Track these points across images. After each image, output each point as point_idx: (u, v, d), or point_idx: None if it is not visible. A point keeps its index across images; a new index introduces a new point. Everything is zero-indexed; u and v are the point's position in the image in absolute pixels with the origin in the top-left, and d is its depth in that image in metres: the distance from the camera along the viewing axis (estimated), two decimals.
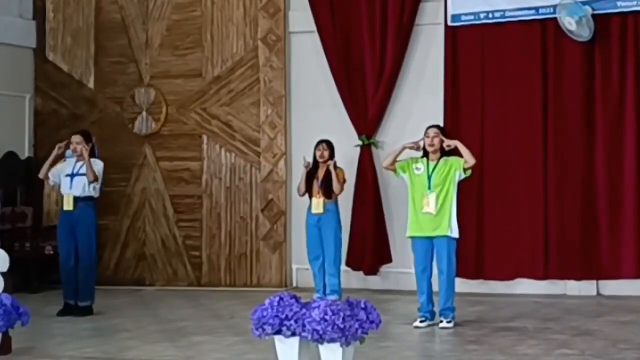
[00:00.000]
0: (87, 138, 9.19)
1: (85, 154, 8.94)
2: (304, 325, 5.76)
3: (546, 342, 7.06)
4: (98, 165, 9.11)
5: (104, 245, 11.47)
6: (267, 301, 5.92)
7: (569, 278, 9.80)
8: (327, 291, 9.55)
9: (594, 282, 9.78)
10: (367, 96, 10.55)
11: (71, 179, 9.03)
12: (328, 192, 9.48)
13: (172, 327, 8.12)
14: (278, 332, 5.86)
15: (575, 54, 9.79)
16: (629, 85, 9.67)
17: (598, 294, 9.77)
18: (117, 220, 11.53)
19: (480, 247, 10.01)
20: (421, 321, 7.95)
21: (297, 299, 5.96)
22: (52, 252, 10.83)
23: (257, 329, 5.88)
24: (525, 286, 9.93)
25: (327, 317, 5.69)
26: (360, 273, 10.56)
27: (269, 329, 5.85)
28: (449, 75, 10.23)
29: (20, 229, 11.21)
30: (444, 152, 8.08)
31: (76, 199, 8.99)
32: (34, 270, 10.96)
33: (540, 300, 9.41)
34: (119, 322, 8.53)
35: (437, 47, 10.38)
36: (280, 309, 5.86)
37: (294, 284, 10.91)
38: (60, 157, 9.20)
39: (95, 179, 8.98)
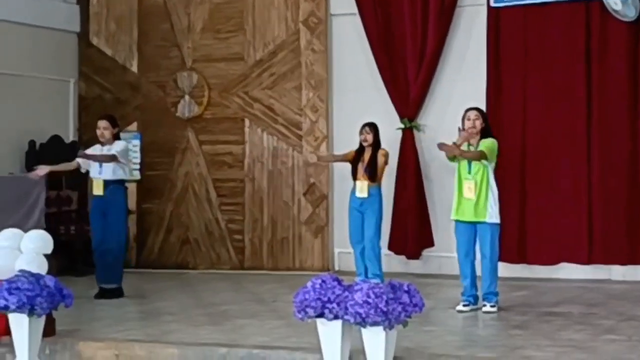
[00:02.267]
0: (113, 123, 9.22)
1: (101, 159, 8.97)
2: (346, 309, 5.76)
3: (592, 328, 6.99)
4: (119, 146, 9.11)
5: (148, 229, 11.59)
6: (309, 284, 5.92)
7: (614, 263, 9.66)
8: (369, 275, 9.52)
9: (639, 267, 9.63)
10: (408, 79, 10.49)
11: (100, 163, 9.07)
12: (372, 175, 9.44)
13: (215, 311, 8.16)
14: (320, 315, 5.87)
15: (620, 35, 9.62)
16: None
17: None
18: (160, 205, 11.62)
19: (523, 231, 9.92)
20: (464, 305, 7.91)
21: (339, 282, 5.96)
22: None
23: (299, 312, 5.90)
24: (568, 271, 9.82)
25: (370, 300, 5.68)
26: (403, 257, 10.53)
27: (311, 312, 5.86)
28: (492, 57, 10.12)
29: (66, 212, 11.33)
30: (483, 135, 7.99)
31: (106, 183, 9.03)
32: (79, 253, 11.08)
33: (584, 285, 9.31)
34: (162, 305, 8.59)
35: (479, 29, 10.27)
36: (323, 292, 5.86)
37: (336, 268, 10.90)
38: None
39: (110, 160, 8.97)
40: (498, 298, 7.92)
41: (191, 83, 11.46)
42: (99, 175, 9.08)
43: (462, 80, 10.39)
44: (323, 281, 5.91)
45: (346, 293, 5.83)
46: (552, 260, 9.85)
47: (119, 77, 11.84)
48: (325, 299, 5.83)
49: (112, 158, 9.01)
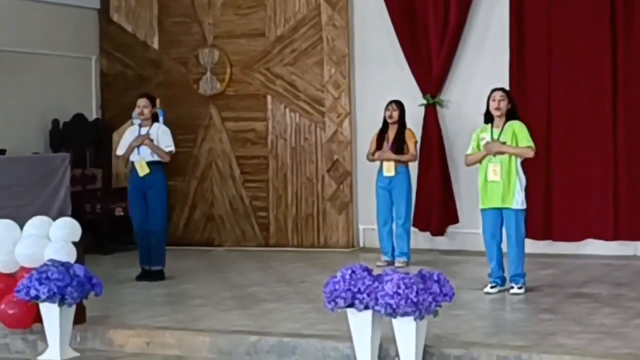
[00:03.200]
0: (152, 101, 9.21)
1: (149, 143, 8.89)
2: (376, 299, 5.76)
3: (622, 311, 6.96)
4: (166, 135, 9.08)
5: (173, 206, 11.56)
6: (339, 274, 5.92)
7: None
8: (396, 253, 9.53)
9: None
10: (431, 54, 10.39)
11: (138, 146, 9.04)
12: (399, 153, 9.39)
13: (244, 293, 8.18)
14: (350, 305, 5.87)
15: None
16: None
17: None
18: (184, 182, 11.63)
19: (548, 207, 9.86)
20: (492, 287, 7.89)
21: (369, 272, 5.96)
22: (122, 214, 10.99)
23: (329, 303, 5.90)
24: (594, 247, 9.78)
25: (400, 291, 5.68)
26: (428, 234, 10.51)
27: (341, 302, 5.86)
28: (514, 31, 9.99)
29: (91, 190, 11.37)
30: (509, 117, 7.90)
31: (149, 164, 8.99)
32: (105, 231, 11.13)
33: (611, 262, 9.27)
34: (190, 287, 8.62)
35: (502, 3, 10.13)
36: (353, 282, 5.86)
37: (361, 244, 10.92)
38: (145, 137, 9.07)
39: (168, 157, 8.98)
40: (525, 279, 7.89)
41: (213, 59, 11.41)
42: (139, 156, 9.00)
43: (485, 55, 10.28)
44: (353, 271, 5.90)
45: (376, 283, 5.83)
46: (577, 237, 9.81)
47: (140, 53, 11.81)
48: (356, 289, 5.83)
49: (168, 155, 8.99)
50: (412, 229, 10.18)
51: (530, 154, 7.79)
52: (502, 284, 7.94)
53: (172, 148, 9.07)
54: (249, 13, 11.29)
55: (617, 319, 6.67)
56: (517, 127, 7.82)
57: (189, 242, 11.46)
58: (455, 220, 10.45)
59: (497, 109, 7.87)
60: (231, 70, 11.35)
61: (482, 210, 8.01)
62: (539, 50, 9.96)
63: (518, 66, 10.04)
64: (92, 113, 11.80)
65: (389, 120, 9.43)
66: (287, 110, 11.15)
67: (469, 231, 10.13)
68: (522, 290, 7.78)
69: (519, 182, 7.80)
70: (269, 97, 11.22)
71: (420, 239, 10.49)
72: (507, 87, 9.40)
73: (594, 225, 9.73)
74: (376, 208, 9.61)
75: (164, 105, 11.63)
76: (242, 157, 11.38)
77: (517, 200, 7.80)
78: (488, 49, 10.29)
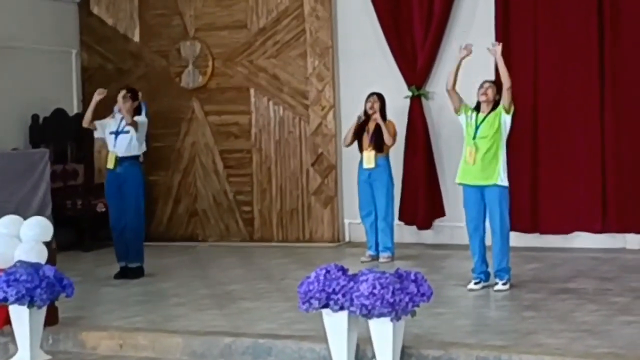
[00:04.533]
0: (133, 95, 9.03)
1: (121, 103, 8.77)
2: (351, 300, 5.60)
3: (606, 307, 6.81)
4: (140, 119, 8.94)
5: (155, 201, 11.45)
6: (313, 274, 5.76)
7: (629, 231, 9.44)
8: (380, 248, 9.38)
9: None
10: (415, 46, 10.22)
11: (115, 136, 8.89)
12: (379, 145, 9.25)
13: (222, 292, 8.02)
14: (325, 306, 5.72)
15: None
16: None
17: None
18: (167, 176, 11.46)
19: (535, 199, 9.71)
20: (475, 283, 7.73)
21: (344, 272, 5.80)
22: (104, 210, 10.79)
23: (303, 303, 5.75)
24: (582, 240, 9.63)
25: (376, 292, 5.52)
26: (414, 227, 10.35)
27: (315, 303, 5.71)
28: (500, 23, 9.81)
29: (72, 186, 11.20)
30: (496, 106, 7.75)
31: (120, 159, 8.86)
32: (86, 228, 10.97)
33: (599, 256, 9.11)
34: (169, 285, 8.46)
35: None
36: (327, 283, 5.70)
37: (347, 239, 10.75)
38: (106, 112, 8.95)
39: (133, 124, 8.78)
40: (510, 274, 7.73)
41: (194, 52, 11.23)
42: (113, 149, 8.88)
43: (471, 43, 10.05)
44: (327, 271, 5.75)
45: (351, 284, 5.67)
46: (565, 229, 9.66)
47: (121, 46, 11.62)
48: (330, 290, 5.68)
49: (134, 123, 8.80)
50: (398, 222, 10.05)
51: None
52: (487, 280, 7.79)
53: (141, 119, 8.89)
54: (230, 5, 11.10)
55: (600, 316, 6.52)
56: (499, 107, 7.66)
57: (173, 238, 11.30)
58: (441, 213, 10.29)
59: (484, 94, 7.75)
60: (213, 63, 11.17)
61: (463, 187, 7.83)
62: (525, 41, 9.78)
63: (504, 56, 9.71)
64: (73, 108, 11.61)
65: (370, 112, 9.28)
66: (271, 103, 10.97)
67: (455, 224, 9.95)
68: (506, 287, 7.63)
69: (502, 159, 7.61)
70: (252, 90, 11.04)
71: (406, 233, 10.33)
72: (492, 76, 9.28)
73: (582, 217, 9.58)
74: (358, 201, 9.46)
75: (146, 98, 11.34)
76: (225, 151, 11.21)
77: (502, 177, 7.61)
78: (473, 39, 9.97)
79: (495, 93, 7.78)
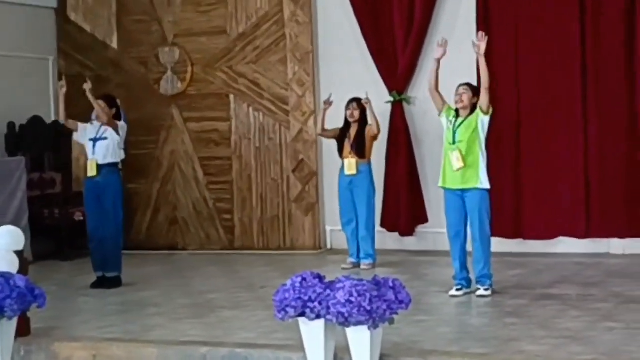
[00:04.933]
0: (110, 103, 8.89)
1: (92, 98, 8.69)
2: (328, 308, 5.48)
3: (589, 313, 6.70)
4: (120, 123, 8.82)
5: (135, 209, 11.30)
6: (289, 282, 5.64)
7: (613, 236, 9.36)
8: (362, 255, 9.27)
9: (638, 240, 9.33)
10: (396, 50, 10.12)
11: (94, 143, 8.76)
12: (360, 152, 9.15)
13: (202, 300, 7.89)
14: (301, 314, 5.60)
15: None
16: None
17: None
18: (147, 184, 11.32)
19: (518, 205, 9.61)
20: (457, 289, 7.62)
21: (321, 279, 5.68)
22: (82, 218, 10.62)
23: (279, 312, 5.63)
24: (566, 245, 9.53)
25: (353, 299, 5.41)
26: (396, 234, 10.23)
27: (291, 311, 5.59)
28: (481, 27, 9.67)
29: (50, 195, 11.02)
30: (474, 109, 7.65)
31: (100, 166, 8.73)
32: (65, 237, 10.80)
33: (582, 261, 9.02)
34: (147, 295, 8.31)
35: None
36: (303, 291, 5.59)
37: (328, 246, 10.63)
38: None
39: (110, 124, 8.65)
40: (492, 280, 7.62)
41: (173, 58, 11.10)
42: (92, 156, 8.74)
43: (453, 49, 9.83)
44: (304, 279, 5.63)
45: (328, 291, 5.55)
46: (548, 235, 9.56)
47: (100, 53, 11.47)
48: (306, 297, 5.56)
49: (114, 124, 8.67)
50: (380, 229, 9.95)
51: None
52: (468, 286, 7.68)
53: (120, 135, 8.78)
54: (209, 10, 10.96)
55: (583, 322, 6.41)
56: (477, 109, 7.55)
57: (153, 247, 11.14)
58: (424, 219, 10.18)
59: (460, 101, 7.67)
60: (192, 69, 11.04)
61: (444, 190, 7.73)
62: (506, 45, 9.69)
63: (486, 59, 9.70)
64: (50, 115, 11.43)
65: (351, 120, 9.19)
66: (251, 109, 10.84)
67: (438, 231, 9.79)
68: (488, 292, 7.52)
69: (482, 162, 7.51)
70: (231, 97, 10.92)
71: (389, 240, 10.22)
72: (474, 80, 9.19)
73: (566, 223, 9.49)
74: (339, 208, 9.35)
75: (125, 106, 11.20)
76: (205, 158, 11.07)
77: (482, 179, 7.51)
78: (455, 42, 9.88)
79: (472, 96, 7.67)
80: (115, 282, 8.72)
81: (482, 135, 7.59)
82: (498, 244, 9.36)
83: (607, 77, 9.30)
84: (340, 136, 9.28)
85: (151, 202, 11.28)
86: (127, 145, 10.79)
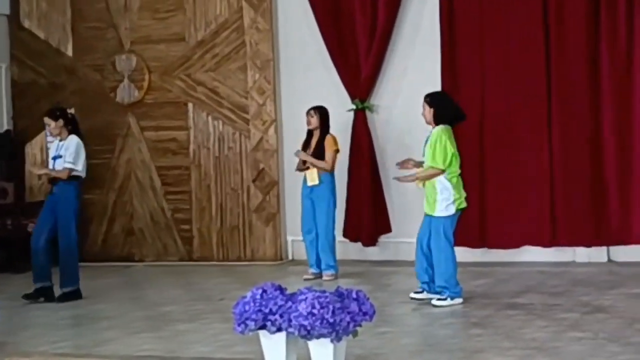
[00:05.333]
0: (54, 116, 8.56)
1: (44, 170, 8.51)
2: (290, 320, 5.26)
3: (555, 323, 6.56)
4: (67, 144, 8.49)
5: (90, 220, 11.01)
6: (249, 294, 5.41)
7: (578, 245, 9.26)
8: (323, 266, 9.07)
9: (604, 248, 9.26)
10: (359, 57, 9.95)
11: (53, 161, 8.56)
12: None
13: (157, 313, 7.63)
14: (262, 327, 5.37)
15: (579, 4, 9.13)
16: (637, 37, 9.04)
17: (609, 260, 9.25)
18: (102, 194, 11.03)
19: (483, 214, 9.47)
20: (416, 292, 7.50)
21: (282, 291, 5.45)
22: None
23: (239, 325, 5.39)
24: (531, 254, 9.41)
25: (315, 311, 5.18)
26: (359, 244, 10.04)
27: (252, 324, 5.35)
28: (446, 32, 9.60)
29: (2, 206, 10.70)
30: (438, 121, 7.50)
31: (56, 179, 8.48)
32: (17, 249, 10.45)
33: (548, 270, 8.90)
34: (101, 307, 8.04)
35: (433, 3, 9.71)
36: (264, 303, 5.35)
37: (290, 257, 10.41)
38: None
39: (64, 175, 8.43)
40: (455, 291, 7.43)
41: (130, 66, 10.84)
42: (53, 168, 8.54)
43: (416, 56, 9.88)
44: (264, 291, 5.40)
45: (289, 303, 5.33)
46: (513, 243, 9.44)
47: (54, 60, 11.18)
48: (267, 310, 5.33)
49: (66, 172, 8.42)
50: (343, 239, 9.78)
51: (436, 173, 7.38)
52: (429, 290, 7.52)
53: (70, 165, 8.44)
54: (167, 17, 10.73)
55: (550, 333, 6.26)
56: (436, 136, 7.43)
57: (108, 258, 10.86)
58: (387, 229, 10.01)
59: (423, 117, 7.53)
60: (150, 77, 10.79)
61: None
62: (471, 50, 9.58)
63: (450, 65, 9.64)
64: (3, 124, 11.13)
65: (308, 127, 9.01)
66: (210, 118, 10.61)
67: (402, 240, 9.69)
68: (443, 302, 7.33)
69: (439, 189, 7.37)
70: (190, 105, 10.68)
71: (351, 250, 10.04)
72: (438, 87, 9.08)
73: (531, 231, 9.37)
74: (301, 218, 9.15)
75: (80, 114, 10.92)
76: (162, 167, 10.81)
77: (438, 208, 7.39)
78: (419, 48, 9.88)
79: (429, 109, 7.53)
80: (75, 295, 8.44)
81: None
82: (463, 253, 9.20)
83: (572, 87, 9.21)
84: (303, 146, 9.10)
85: (107, 213, 11.00)
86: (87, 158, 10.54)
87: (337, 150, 9.01)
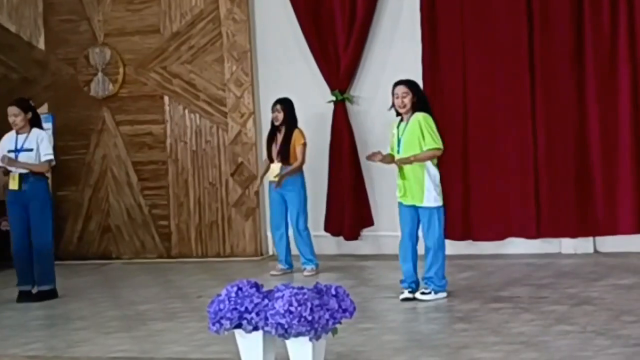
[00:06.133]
0: (24, 107, 8.32)
1: (13, 162, 8.11)
2: (266, 319, 5.05)
3: (542, 316, 6.37)
4: (44, 142, 8.25)
5: (65, 218, 10.75)
6: (223, 292, 5.20)
7: (564, 236, 9.05)
8: (302, 261, 8.87)
9: (590, 239, 9.06)
10: (338, 47, 9.72)
11: (16, 155, 8.22)
12: (285, 156, 8.75)
13: (133, 312, 7.41)
14: (238, 326, 5.16)
15: None
16: (622, 26, 8.84)
17: (595, 251, 9.07)
18: (77, 191, 10.76)
19: (467, 206, 9.26)
20: (410, 292, 7.24)
21: (258, 288, 5.24)
22: (8, 228, 10.06)
23: (213, 324, 5.19)
24: (517, 246, 9.22)
25: (293, 309, 4.98)
26: (341, 238, 9.83)
27: (227, 323, 5.15)
28: (426, 19, 9.37)
29: None
30: (416, 109, 7.28)
31: (24, 176, 8.20)
32: None
33: (534, 262, 8.72)
34: (75, 307, 7.82)
35: None
36: (239, 301, 5.15)
37: (270, 252, 10.18)
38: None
39: (45, 168, 8.20)
40: (443, 283, 7.25)
41: (104, 59, 10.57)
42: (15, 169, 8.20)
43: (396, 46, 9.65)
44: (239, 288, 5.19)
45: (266, 301, 5.12)
46: (498, 236, 9.23)
47: (25, 54, 10.88)
48: (243, 308, 5.12)
49: (46, 165, 8.18)
50: (324, 233, 9.59)
51: (438, 154, 7.21)
52: (417, 289, 7.30)
53: (50, 157, 8.25)
54: (141, 8, 10.45)
55: (537, 326, 6.08)
56: (423, 122, 7.19)
57: (84, 256, 10.60)
58: (369, 222, 9.79)
59: (402, 106, 7.28)
60: (124, 70, 10.52)
61: (399, 203, 7.37)
62: (452, 40, 9.34)
63: (431, 57, 9.41)
64: None
65: (276, 123, 8.82)
66: (187, 111, 10.36)
67: (385, 234, 9.48)
68: (430, 297, 7.14)
69: (428, 178, 7.18)
70: (166, 98, 10.42)
71: (333, 244, 9.83)
72: (419, 79, 8.85)
73: (516, 223, 9.16)
74: (270, 213, 8.94)
75: (53, 109, 10.79)
76: (139, 162, 10.54)
77: (428, 197, 7.18)
78: (399, 37, 9.65)
79: (412, 97, 7.29)
80: (51, 295, 8.22)
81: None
82: (447, 247, 9.00)
83: (555, 76, 8.99)
84: (269, 140, 8.89)
85: (82, 210, 10.72)
86: (56, 151, 10.25)
87: (305, 144, 8.80)
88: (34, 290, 8.26)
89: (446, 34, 9.38)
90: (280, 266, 8.88)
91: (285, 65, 9.97)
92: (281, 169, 8.70)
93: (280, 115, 8.76)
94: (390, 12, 9.71)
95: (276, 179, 8.74)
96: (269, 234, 10.14)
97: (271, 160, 8.85)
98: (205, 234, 10.33)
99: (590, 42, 8.87)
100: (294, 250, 9.01)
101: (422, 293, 7.18)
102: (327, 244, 9.72)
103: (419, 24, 9.43)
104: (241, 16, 10.11)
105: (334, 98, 9.74)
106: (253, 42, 10.14)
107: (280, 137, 8.79)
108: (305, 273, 8.75)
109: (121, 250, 10.62)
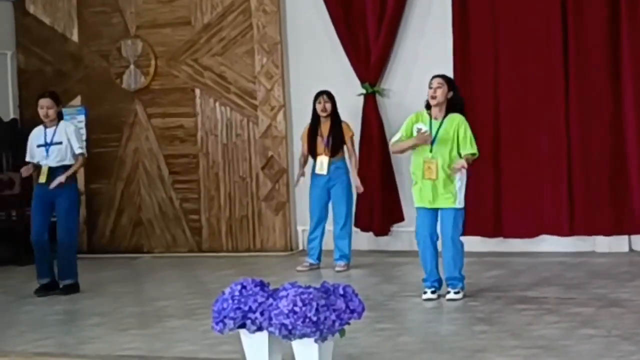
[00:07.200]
0: (57, 100, 8.33)
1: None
2: (270, 319, 4.91)
3: (567, 319, 6.13)
4: (70, 129, 8.25)
5: (98, 211, 10.76)
6: (227, 290, 5.08)
7: (598, 234, 8.78)
8: (336, 256, 8.72)
9: (625, 237, 8.77)
10: (368, 40, 9.54)
11: (46, 148, 8.21)
12: (335, 148, 8.59)
13: (151, 309, 7.31)
14: (242, 326, 5.04)
15: None
16: None
17: (630, 250, 8.78)
18: (110, 184, 10.76)
19: (498, 202, 9.03)
20: (432, 292, 7.03)
21: (263, 287, 5.11)
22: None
23: (217, 324, 5.07)
24: (549, 243, 8.96)
25: (297, 309, 4.84)
26: (371, 234, 9.66)
27: (230, 323, 5.03)
28: (457, 12, 9.14)
29: (7, 196, 10.46)
30: (450, 108, 7.05)
31: (53, 170, 8.18)
32: (22, 241, 10.20)
33: (566, 260, 8.45)
34: (96, 302, 7.76)
35: None
36: (243, 300, 5.02)
37: (300, 247, 10.05)
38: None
39: (81, 163, 8.24)
40: (464, 282, 7.05)
41: (136, 52, 10.53)
42: (45, 161, 8.21)
43: (427, 39, 9.45)
44: (244, 287, 5.07)
45: (270, 300, 4.98)
46: (530, 233, 8.98)
47: (59, 47, 10.91)
48: (246, 308, 5.00)
49: (81, 160, 8.21)
50: (354, 229, 9.40)
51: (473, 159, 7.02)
52: (440, 288, 7.11)
53: (82, 150, 8.23)
54: (173, 0, 10.40)
55: (559, 329, 5.84)
56: (463, 125, 6.94)
57: (116, 250, 10.60)
58: (400, 218, 9.60)
59: (433, 97, 7.03)
60: (156, 62, 10.48)
61: (418, 208, 7.18)
62: (484, 33, 9.12)
63: (462, 51, 9.20)
64: (9, 113, 10.90)
65: (322, 114, 8.62)
66: (217, 104, 10.28)
67: (415, 229, 9.25)
68: (459, 296, 6.95)
69: (459, 179, 6.96)
70: (197, 91, 10.35)
71: (363, 240, 9.67)
72: (450, 73, 8.61)
73: (548, 220, 8.91)
74: (310, 207, 8.77)
75: (86, 102, 10.80)
76: (170, 156, 10.50)
77: (459, 198, 6.96)
78: (430, 30, 9.46)
79: (447, 91, 7.05)
80: (73, 289, 8.19)
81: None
82: (477, 243, 8.84)
83: (590, 72, 8.71)
84: (311, 133, 8.69)
85: (114, 203, 10.72)
86: (88, 143, 10.26)
87: (352, 135, 8.68)
88: (59, 284, 8.24)
89: (478, 26, 9.15)
90: (310, 261, 8.72)
91: (316, 58, 9.82)
92: (329, 162, 8.50)
93: (329, 105, 8.57)
94: (421, 4, 9.52)
95: (323, 172, 8.54)
96: (299, 229, 10.05)
97: (313, 154, 8.64)
98: (236, 229, 10.25)
99: (626, 37, 8.58)
100: (325, 246, 8.86)
101: (456, 292, 6.95)
102: (356, 239, 9.53)
103: (450, 15, 9.21)
104: (272, 8, 9.99)
105: (364, 91, 9.57)
106: (284, 34, 10.01)
107: (325, 129, 8.58)
108: (337, 268, 8.61)
109: (152, 244, 10.59)
